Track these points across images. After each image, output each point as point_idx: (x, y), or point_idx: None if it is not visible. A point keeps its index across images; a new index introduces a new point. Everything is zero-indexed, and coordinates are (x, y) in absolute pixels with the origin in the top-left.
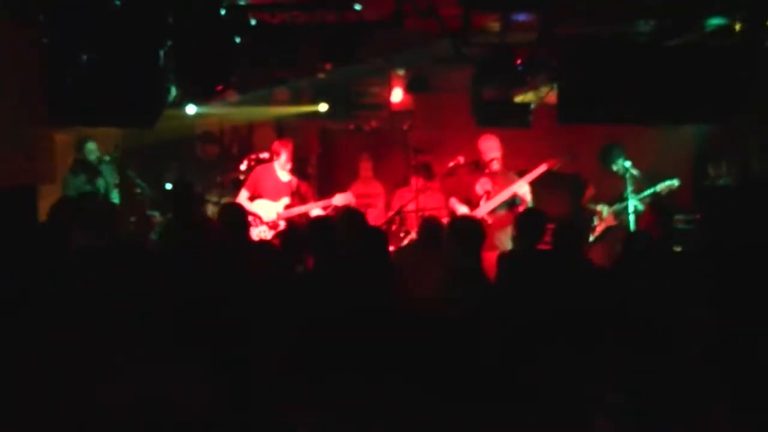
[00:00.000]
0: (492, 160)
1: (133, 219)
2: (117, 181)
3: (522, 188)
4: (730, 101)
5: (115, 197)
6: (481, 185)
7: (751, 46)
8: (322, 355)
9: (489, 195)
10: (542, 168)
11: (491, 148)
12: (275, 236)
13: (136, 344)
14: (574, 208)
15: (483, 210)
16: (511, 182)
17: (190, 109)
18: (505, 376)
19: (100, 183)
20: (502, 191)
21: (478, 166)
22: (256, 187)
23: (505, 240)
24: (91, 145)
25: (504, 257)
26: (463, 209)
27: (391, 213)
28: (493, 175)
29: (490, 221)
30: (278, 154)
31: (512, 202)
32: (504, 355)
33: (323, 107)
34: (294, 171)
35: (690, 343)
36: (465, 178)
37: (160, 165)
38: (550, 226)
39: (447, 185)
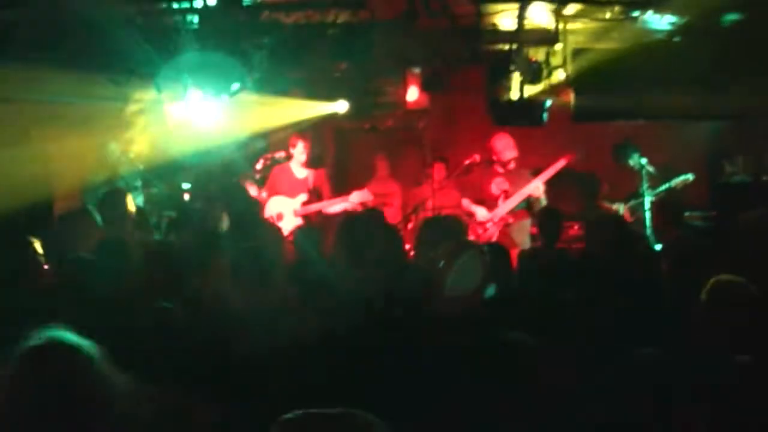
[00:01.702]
0: (510, 160)
1: (152, 219)
2: (138, 183)
3: (537, 188)
4: (741, 98)
5: (138, 198)
6: (497, 185)
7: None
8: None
9: (507, 194)
10: (561, 163)
11: (506, 147)
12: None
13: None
14: (588, 205)
15: (503, 209)
16: (526, 181)
17: (200, 110)
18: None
19: (120, 183)
20: (518, 190)
21: (493, 164)
22: (273, 185)
23: (523, 237)
24: (113, 146)
25: (524, 255)
26: (481, 211)
27: (407, 211)
28: (508, 174)
29: (511, 221)
30: (294, 146)
31: (527, 201)
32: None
33: (342, 106)
34: (309, 164)
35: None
36: (481, 177)
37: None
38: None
39: (463, 183)
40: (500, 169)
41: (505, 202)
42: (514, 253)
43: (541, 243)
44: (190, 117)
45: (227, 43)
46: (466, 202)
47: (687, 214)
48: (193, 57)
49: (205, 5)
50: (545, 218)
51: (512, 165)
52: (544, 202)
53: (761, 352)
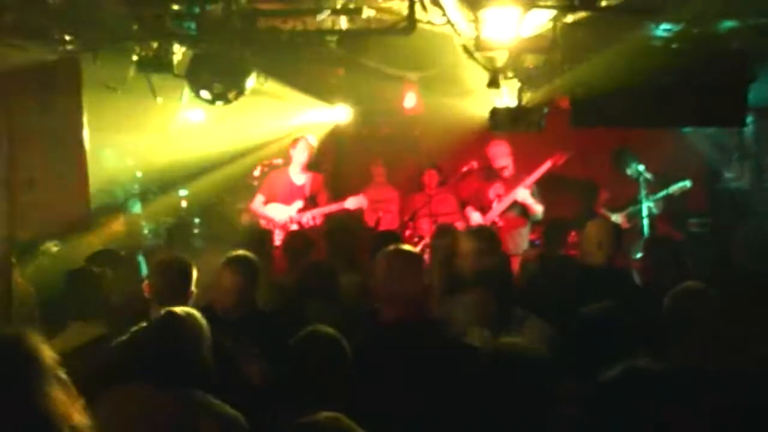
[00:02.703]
0: (504, 167)
1: (150, 227)
2: (136, 190)
3: (521, 194)
4: (741, 105)
5: (136, 206)
6: (495, 190)
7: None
8: None
9: (500, 198)
10: (547, 165)
11: (501, 153)
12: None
13: None
14: (586, 212)
15: (493, 213)
16: (518, 183)
17: (198, 116)
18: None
19: (118, 191)
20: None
21: (491, 171)
22: (270, 191)
23: (519, 243)
24: (108, 152)
25: (528, 262)
26: (475, 216)
27: (404, 218)
28: (505, 180)
29: (500, 224)
30: (294, 147)
31: (514, 206)
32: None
33: (342, 114)
34: (309, 167)
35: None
36: (478, 183)
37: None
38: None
39: (460, 190)
40: (496, 176)
41: (496, 207)
42: (515, 260)
43: (544, 249)
44: (187, 123)
45: (224, 50)
46: (468, 210)
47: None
48: (190, 63)
49: (203, 12)
50: (548, 227)
51: (507, 172)
52: (540, 208)
53: (724, 355)
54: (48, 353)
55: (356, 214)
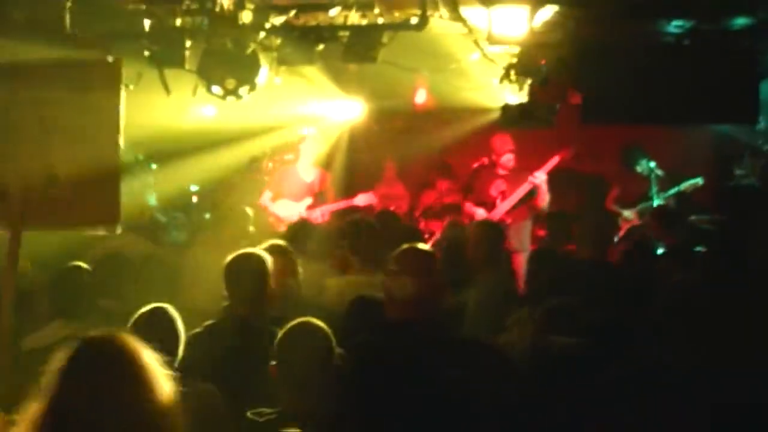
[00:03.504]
0: (509, 159)
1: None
2: (152, 181)
3: (539, 178)
4: (751, 101)
5: (152, 198)
6: (496, 187)
7: None
8: None
9: (504, 195)
10: (555, 160)
11: (504, 145)
12: None
13: None
14: (594, 208)
15: (500, 210)
16: (526, 181)
17: (209, 111)
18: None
19: (134, 184)
20: (516, 190)
21: (496, 165)
22: (279, 187)
23: (522, 238)
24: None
25: (534, 257)
26: (480, 212)
27: (415, 215)
28: (509, 173)
29: (509, 221)
30: (303, 143)
31: (529, 194)
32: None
33: (354, 109)
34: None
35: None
36: (485, 179)
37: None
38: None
39: (468, 186)
40: (502, 171)
41: (503, 203)
42: (517, 257)
43: (549, 245)
44: (200, 117)
45: (236, 45)
46: (468, 205)
47: (694, 218)
48: (202, 59)
49: (215, 7)
50: (551, 222)
51: (511, 162)
52: (547, 198)
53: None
54: (148, 352)
55: (390, 212)
